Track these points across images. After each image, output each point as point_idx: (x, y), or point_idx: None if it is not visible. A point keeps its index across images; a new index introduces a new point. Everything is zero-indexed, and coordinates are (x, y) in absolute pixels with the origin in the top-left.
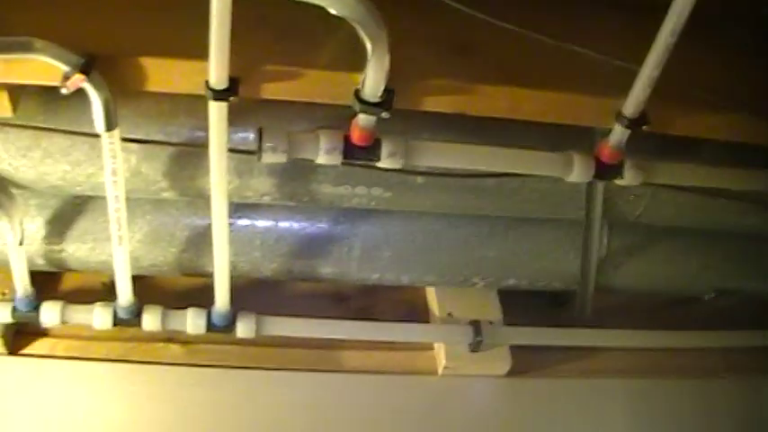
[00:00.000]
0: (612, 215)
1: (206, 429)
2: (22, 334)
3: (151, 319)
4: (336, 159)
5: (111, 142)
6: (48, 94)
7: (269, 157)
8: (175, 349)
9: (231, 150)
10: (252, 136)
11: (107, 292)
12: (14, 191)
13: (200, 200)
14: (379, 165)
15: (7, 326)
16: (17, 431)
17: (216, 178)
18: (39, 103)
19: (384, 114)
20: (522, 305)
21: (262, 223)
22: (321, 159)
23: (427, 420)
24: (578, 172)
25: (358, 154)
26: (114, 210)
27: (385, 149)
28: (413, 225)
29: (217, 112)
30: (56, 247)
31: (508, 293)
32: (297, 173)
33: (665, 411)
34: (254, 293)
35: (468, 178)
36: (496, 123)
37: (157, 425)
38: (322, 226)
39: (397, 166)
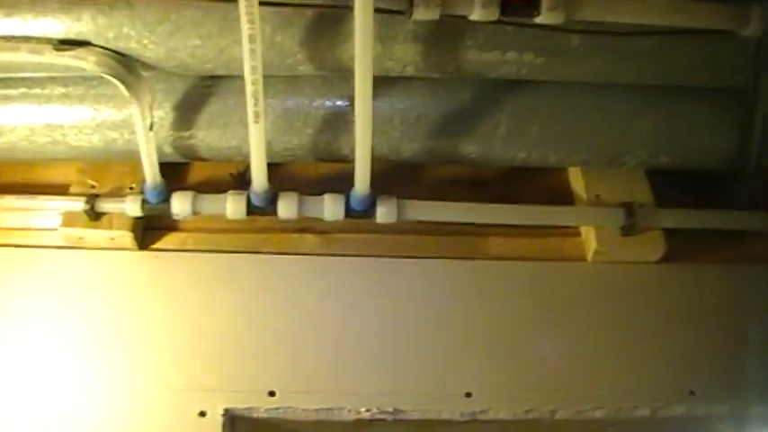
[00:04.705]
0: None
1: (344, 318)
2: (151, 229)
3: (287, 207)
4: (493, 15)
5: (248, 5)
6: None
7: (421, 14)
8: (310, 239)
9: (376, 11)
10: None
11: (235, 184)
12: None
13: (336, 76)
14: (538, 20)
15: (136, 221)
16: (149, 326)
17: (362, 38)
18: None
19: None
20: (666, 189)
21: (401, 100)
22: (476, 15)
23: (578, 308)
24: (756, 23)
25: (516, 9)
26: (251, 82)
27: (546, 1)
28: (562, 98)
29: None
30: (185, 134)
31: (652, 177)
32: (443, 38)
33: None
34: (387, 180)
35: (627, 37)
36: None
37: (293, 315)
38: (465, 101)
39: (558, 20)
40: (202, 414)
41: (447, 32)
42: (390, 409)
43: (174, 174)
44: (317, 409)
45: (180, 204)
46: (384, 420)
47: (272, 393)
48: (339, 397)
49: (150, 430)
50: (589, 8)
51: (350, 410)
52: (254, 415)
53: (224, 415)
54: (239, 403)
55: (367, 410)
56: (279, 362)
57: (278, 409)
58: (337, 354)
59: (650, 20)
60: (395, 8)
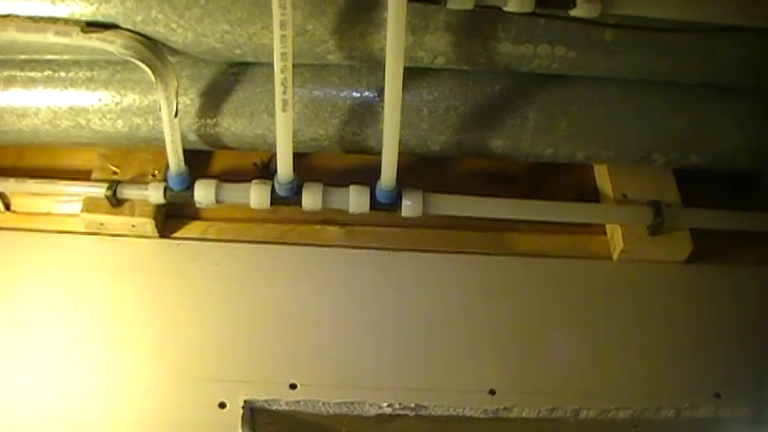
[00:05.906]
0: None
1: (366, 311)
2: (173, 217)
3: (311, 198)
4: (529, 6)
5: None
6: None
7: (456, 3)
8: (333, 231)
9: (410, 0)
10: None
11: (259, 174)
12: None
13: (364, 67)
14: (574, 13)
15: (157, 208)
16: (168, 315)
17: (394, 27)
18: None
19: None
20: (695, 189)
21: (429, 92)
22: (511, 6)
23: (603, 306)
24: None
25: (552, 0)
26: (281, 69)
27: None
28: (592, 93)
29: None
30: (210, 121)
31: (681, 177)
32: (475, 29)
33: None
34: (412, 173)
35: (662, 33)
36: None
37: (316, 307)
38: (495, 94)
39: (594, 14)
40: (222, 405)
41: (479, 24)
42: (412, 405)
43: (196, 162)
44: (338, 403)
45: (203, 192)
46: (406, 416)
47: (293, 386)
48: (361, 391)
49: (170, 421)
50: (626, 1)
51: (371, 405)
52: (275, 407)
53: (244, 407)
54: (260, 395)
55: (389, 405)
56: (300, 354)
57: (299, 401)
58: (360, 347)
59: (689, 15)
60: None
